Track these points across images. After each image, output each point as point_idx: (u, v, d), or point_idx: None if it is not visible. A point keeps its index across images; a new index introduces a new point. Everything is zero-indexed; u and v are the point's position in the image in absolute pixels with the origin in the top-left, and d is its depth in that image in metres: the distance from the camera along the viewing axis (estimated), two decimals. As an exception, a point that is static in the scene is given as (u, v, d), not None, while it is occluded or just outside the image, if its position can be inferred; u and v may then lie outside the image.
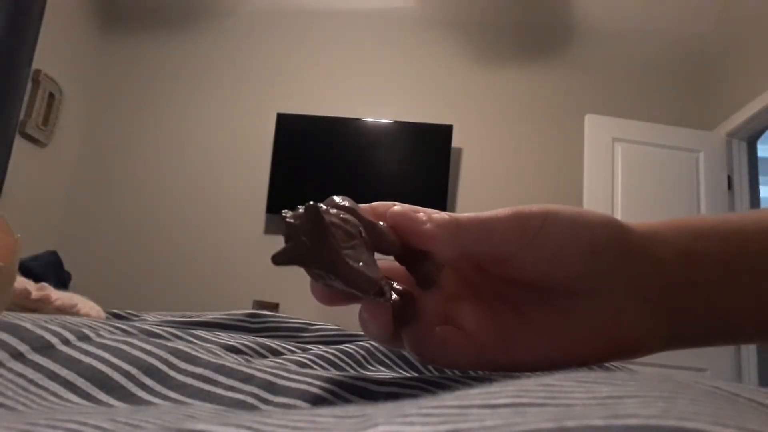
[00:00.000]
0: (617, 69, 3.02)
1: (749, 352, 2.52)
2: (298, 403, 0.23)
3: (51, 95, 2.78)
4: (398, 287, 0.27)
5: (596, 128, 2.71)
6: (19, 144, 2.58)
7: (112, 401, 0.21)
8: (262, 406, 0.23)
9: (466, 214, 0.26)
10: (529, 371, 0.29)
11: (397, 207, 0.26)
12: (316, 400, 0.23)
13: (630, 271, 0.27)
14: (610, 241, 0.27)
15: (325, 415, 0.13)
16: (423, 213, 0.26)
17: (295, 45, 3.17)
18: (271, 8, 3.19)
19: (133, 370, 0.24)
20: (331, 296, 0.26)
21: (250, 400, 0.23)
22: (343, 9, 3.15)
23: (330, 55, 3.15)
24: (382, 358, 0.40)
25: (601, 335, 0.27)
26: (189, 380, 0.24)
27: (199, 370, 0.25)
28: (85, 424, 0.13)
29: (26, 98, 2.59)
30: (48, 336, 0.24)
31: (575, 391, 0.11)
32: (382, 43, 3.15)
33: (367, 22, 3.16)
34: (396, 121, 2.96)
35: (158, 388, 0.23)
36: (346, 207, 0.26)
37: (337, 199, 0.26)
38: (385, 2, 3.10)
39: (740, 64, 2.70)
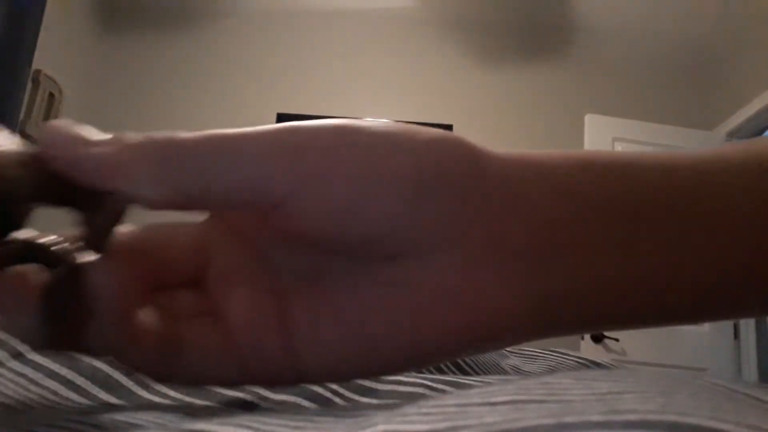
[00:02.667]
0: (617, 69, 3.02)
1: (749, 351, 2.52)
2: (299, 401, 0.23)
3: (51, 95, 2.78)
4: (58, 250, 0.16)
5: (596, 128, 2.71)
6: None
7: (112, 400, 0.21)
8: (262, 405, 0.23)
9: (188, 134, 0.16)
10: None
11: (53, 122, 0.17)
12: (316, 399, 0.23)
13: (485, 215, 0.17)
14: (449, 172, 0.17)
15: (325, 414, 0.13)
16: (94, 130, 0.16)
17: (295, 45, 3.17)
18: (272, 8, 3.19)
19: (133, 369, 0.24)
20: None
21: (250, 398, 0.23)
22: (343, 9, 3.15)
23: (330, 55, 3.15)
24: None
25: (442, 316, 0.17)
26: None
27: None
28: (85, 423, 0.13)
29: (26, 98, 2.59)
30: (48, 335, 0.24)
31: (574, 387, 0.11)
32: (382, 43, 3.15)
33: (367, 22, 3.16)
34: (396, 121, 2.96)
35: (158, 386, 0.23)
36: None
37: None
38: (385, 2, 3.10)
39: (740, 64, 2.70)
